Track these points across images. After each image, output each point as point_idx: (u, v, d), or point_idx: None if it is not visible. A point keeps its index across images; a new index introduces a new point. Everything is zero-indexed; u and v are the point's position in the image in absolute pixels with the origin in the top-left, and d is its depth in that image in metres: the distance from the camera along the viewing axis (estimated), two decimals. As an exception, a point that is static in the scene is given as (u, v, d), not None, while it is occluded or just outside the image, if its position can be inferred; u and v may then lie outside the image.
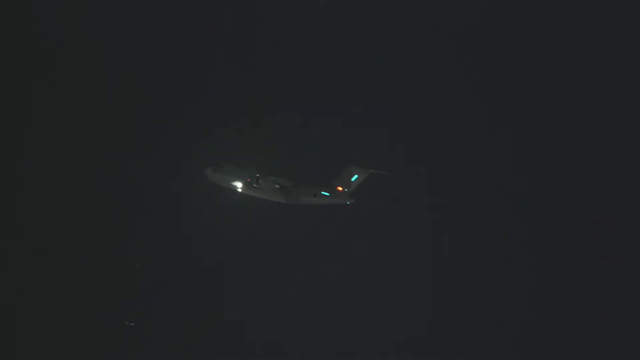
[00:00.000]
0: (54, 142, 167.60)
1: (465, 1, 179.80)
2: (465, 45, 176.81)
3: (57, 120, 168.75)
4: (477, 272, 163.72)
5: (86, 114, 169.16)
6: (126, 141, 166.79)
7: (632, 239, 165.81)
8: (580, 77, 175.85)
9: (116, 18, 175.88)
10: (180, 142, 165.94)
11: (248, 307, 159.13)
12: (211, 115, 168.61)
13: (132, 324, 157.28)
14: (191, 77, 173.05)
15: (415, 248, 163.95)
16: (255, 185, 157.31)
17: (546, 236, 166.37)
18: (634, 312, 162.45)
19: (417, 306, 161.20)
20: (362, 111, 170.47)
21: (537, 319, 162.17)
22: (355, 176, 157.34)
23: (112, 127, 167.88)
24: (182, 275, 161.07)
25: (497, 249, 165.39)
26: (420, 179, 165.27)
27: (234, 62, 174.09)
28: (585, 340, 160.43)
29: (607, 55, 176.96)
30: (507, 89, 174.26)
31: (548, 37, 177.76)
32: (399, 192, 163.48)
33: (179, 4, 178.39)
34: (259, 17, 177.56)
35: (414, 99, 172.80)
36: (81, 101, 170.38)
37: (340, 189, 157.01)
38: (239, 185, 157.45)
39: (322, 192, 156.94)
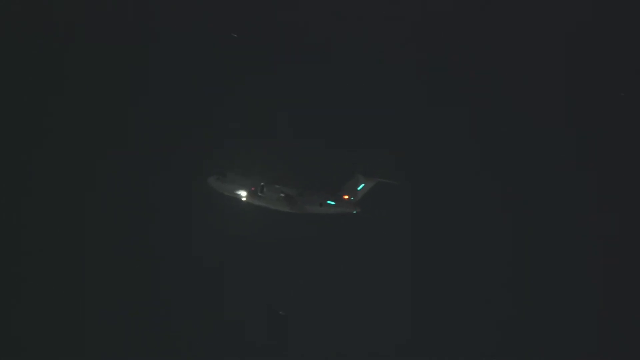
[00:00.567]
0: (55, 141, 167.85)
1: (466, 1, 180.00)
2: (466, 45, 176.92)
3: (58, 119, 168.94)
4: (477, 272, 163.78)
5: (87, 115, 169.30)
6: (128, 146, 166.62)
7: (632, 239, 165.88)
8: (580, 77, 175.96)
9: (115, 18, 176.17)
10: (183, 150, 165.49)
11: (248, 307, 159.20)
12: (214, 122, 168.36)
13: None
14: (195, 82, 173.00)
15: (414, 250, 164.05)
16: (259, 194, 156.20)
17: (546, 236, 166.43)
18: (634, 312, 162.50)
19: (418, 308, 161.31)
20: (363, 113, 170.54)
21: (537, 319, 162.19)
22: (362, 185, 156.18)
23: (114, 131, 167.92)
24: (183, 276, 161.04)
25: (497, 249, 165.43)
26: (420, 180, 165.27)
27: (236, 65, 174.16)
28: (585, 340, 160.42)
29: (607, 55, 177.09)
30: (507, 89, 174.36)
31: (548, 37, 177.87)
32: (398, 199, 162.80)
33: (179, 4, 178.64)
34: (259, 19, 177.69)
35: (414, 99, 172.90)
36: (81, 101, 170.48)
37: (346, 197, 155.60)
38: (243, 194, 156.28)
39: (328, 202, 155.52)
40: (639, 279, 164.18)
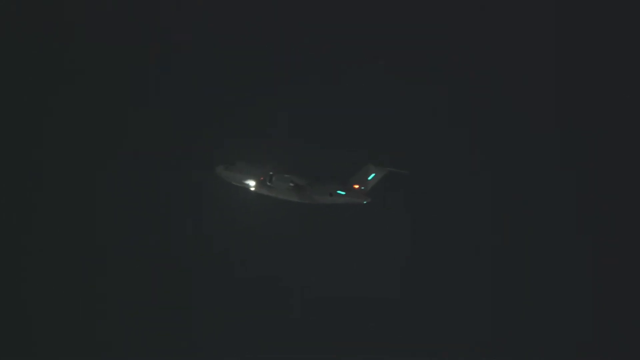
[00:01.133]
0: (55, 141, 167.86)
1: (466, 1, 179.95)
2: (466, 45, 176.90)
3: (58, 119, 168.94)
4: (477, 272, 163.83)
5: (86, 115, 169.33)
6: (134, 139, 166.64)
7: (632, 239, 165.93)
8: (580, 78, 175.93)
9: (115, 18, 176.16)
10: (191, 140, 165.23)
11: (249, 306, 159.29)
12: (221, 113, 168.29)
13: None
14: (201, 75, 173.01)
15: (414, 250, 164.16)
16: (268, 183, 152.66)
17: (546, 236, 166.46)
18: (634, 312, 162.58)
19: (416, 306, 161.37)
20: (363, 113, 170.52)
21: (537, 319, 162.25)
22: (373, 175, 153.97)
23: (114, 131, 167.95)
24: (183, 274, 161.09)
25: (497, 249, 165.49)
26: (420, 179, 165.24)
27: (239, 62, 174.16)
28: (585, 339, 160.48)
29: (607, 55, 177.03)
30: (507, 89, 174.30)
31: (548, 37, 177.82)
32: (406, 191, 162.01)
33: (179, 4, 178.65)
34: (260, 18, 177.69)
35: (414, 99, 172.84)
36: (81, 101, 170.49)
37: (356, 187, 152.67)
38: (251, 183, 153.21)
39: (338, 191, 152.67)
40: (639, 279, 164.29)
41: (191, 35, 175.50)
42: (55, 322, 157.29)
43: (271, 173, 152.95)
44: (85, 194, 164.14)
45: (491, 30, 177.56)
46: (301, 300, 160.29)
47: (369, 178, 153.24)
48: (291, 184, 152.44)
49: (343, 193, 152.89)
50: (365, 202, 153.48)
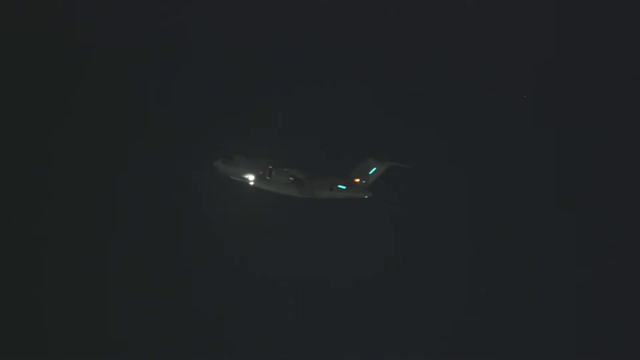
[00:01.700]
0: (54, 141, 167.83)
1: (466, 1, 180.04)
2: (466, 45, 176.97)
3: (57, 119, 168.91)
4: (477, 272, 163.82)
5: (86, 115, 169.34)
6: (134, 139, 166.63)
7: (632, 239, 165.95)
8: (580, 78, 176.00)
9: (115, 18, 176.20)
10: (191, 139, 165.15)
11: (249, 305, 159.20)
12: (219, 108, 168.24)
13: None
14: (201, 75, 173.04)
15: (414, 250, 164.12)
16: (267, 177, 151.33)
17: (546, 236, 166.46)
18: (634, 312, 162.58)
19: (415, 305, 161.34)
20: (363, 113, 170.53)
21: (537, 319, 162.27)
22: (374, 169, 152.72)
23: (114, 131, 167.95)
24: (183, 272, 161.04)
25: (497, 249, 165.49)
26: (420, 180, 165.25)
27: (239, 62, 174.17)
28: (585, 340, 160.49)
29: (607, 55, 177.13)
30: (507, 89, 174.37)
31: (548, 36, 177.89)
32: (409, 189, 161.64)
33: (179, 4, 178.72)
34: (260, 18, 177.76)
35: (414, 99, 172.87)
36: (81, 101, 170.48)
37: (357, 180, 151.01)
38: (250, 177, 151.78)
39: (339, 185, 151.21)
40: (639, 279, 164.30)
41: (191, 35, 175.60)
42: (55, 322, 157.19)
43: (270, 167, 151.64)
44: (85, 194, 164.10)
45: (491, 30, 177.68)
46: (301, 300, 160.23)
47: (370, 172, 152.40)
48: (291, 178, 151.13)
49: (344, 187, 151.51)
50: (366, 197, 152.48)
